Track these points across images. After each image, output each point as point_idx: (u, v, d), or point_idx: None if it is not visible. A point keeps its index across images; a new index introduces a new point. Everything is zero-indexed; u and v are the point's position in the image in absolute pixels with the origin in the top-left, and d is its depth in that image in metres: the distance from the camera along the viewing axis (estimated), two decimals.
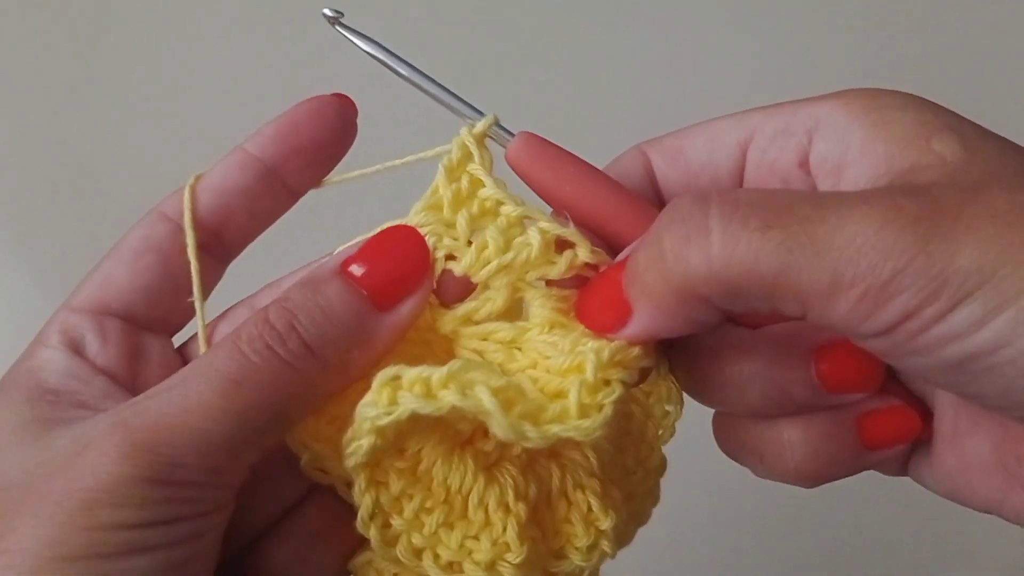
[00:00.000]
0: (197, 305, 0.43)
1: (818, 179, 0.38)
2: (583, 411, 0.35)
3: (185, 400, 0.35)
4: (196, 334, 0.43)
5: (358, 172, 0.43)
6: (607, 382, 0.36)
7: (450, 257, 0.39)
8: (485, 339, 0.39)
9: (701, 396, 0.40)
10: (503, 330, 0.39)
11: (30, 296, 0.89)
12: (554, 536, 0.41)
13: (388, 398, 0.34)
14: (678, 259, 0.33)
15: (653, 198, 0.41)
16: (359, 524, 0.38)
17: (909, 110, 0.35)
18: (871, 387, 0.38)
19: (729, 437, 0.40)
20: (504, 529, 0.38)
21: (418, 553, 0.39)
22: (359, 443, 0.36)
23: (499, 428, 0.33)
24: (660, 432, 0.44)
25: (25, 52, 0.92)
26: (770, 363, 0.37)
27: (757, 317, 0.38)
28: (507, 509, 0.39)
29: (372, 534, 0.38)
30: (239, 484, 0.37)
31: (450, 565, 0.39)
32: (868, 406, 0.38)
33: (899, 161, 0.34)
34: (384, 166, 0.42)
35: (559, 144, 0.39)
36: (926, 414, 0.39)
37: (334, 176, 0.43)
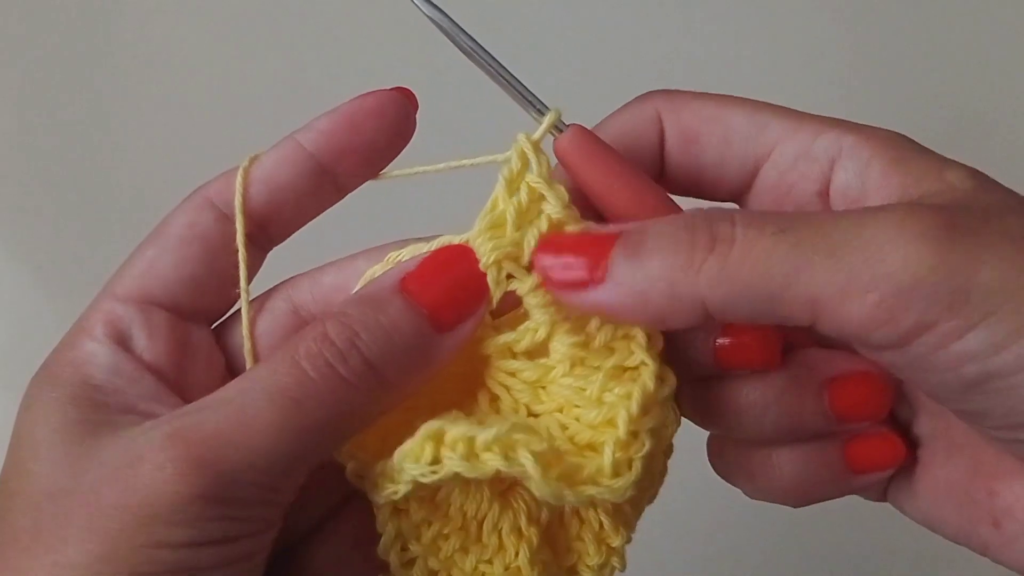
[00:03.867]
0: (244, 304, 0.41)
1: (837, 209, 0.38)
2: (616, 468, 0.36)
3: (243, 416, 0.34)
4: (231, 320, 0.42)
5: (418, 169, 0.41)
6: (636, 434, 0.36)
7: (510, 276, 0.38)
8: (512, 375, 0.39)
9: (709, 422, 0.40)
10: (528, 370, 0.39)
11: (30, 295, 0.89)
12: (566, 553, 0.41)
13: (431, 455, 0.35)
14: (691, 260, 0.32)
15: (656, 165, 0.40)
16: (380, 550, 0.39)
17: (925, 153, 0.36)
18: (880, 417, 0.38)
19: (723, 459, 0.41)
20: (516, 554, 0.39)
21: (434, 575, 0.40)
22: (395, 487, 0.37)
23: (539, 491, 0.35)
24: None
25: (25, 52, 0.92)
26: (784, 393, 0.37)
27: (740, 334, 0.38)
28: (520, 534, 0.40)
29: (391, 559, 0.39)
30: (290, 502, 0.36)
31: None
32: (853, 430, 0.39)
33: (913, 190, 0.35)
34: (448, 166, 0.40)
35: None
36: (910, 442, 0.40)
37: (392, 171, 0.42)
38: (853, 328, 0.31)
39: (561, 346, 0.38)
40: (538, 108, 0.38)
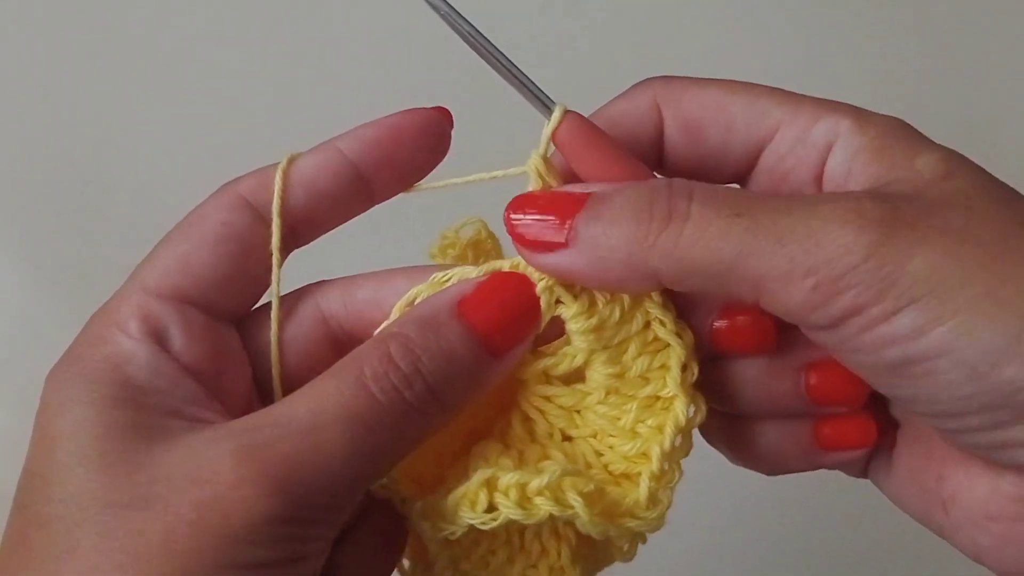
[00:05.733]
0: (274, 313, 0.41)
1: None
2: (652, 501, 0.38)
3: (316, 438, 0.34)
4: (253, 321, 0.42)
5: (447, 181, 0.42)
6: (670, 467, 0.39)
7: (559, 301, 0.39)
8: (548, 400, 0.40)
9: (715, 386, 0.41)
10: (564, 395, 0.40)
11: (30, 295, 0.89)
12: (598, 540, 0.42)
13: (486, 502, 0.36)
14: (648, 232, 0.34)
15: (655, 153, 0.41)
16: (435, 573, 0.41)
17: (911, 139, 0.37)
18: (855, 403, 0.40)
19: (707, 426, 0.42)
20: (559, 555, 0.41)
21: None
22: (452, 528, 0.38)
23: (586, 529, 0.37)
24: None
25: (24, 51, 0.92)
26: (762, 373, 0.39)
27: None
28: (558, 535, 0.41)
29: None
30: (347, 521, 0.37)
31: None
32: (827, 412, 0.40)
33: (882, 177, 0.36)
34: (475, 178, 0.41)
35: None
36: (891, 423, 0.41)
37: (424, 184, 0.42)
38: (792, 309, 0.33)
39: (598, 375, 0.39)
40: (544, 103, 0.39)
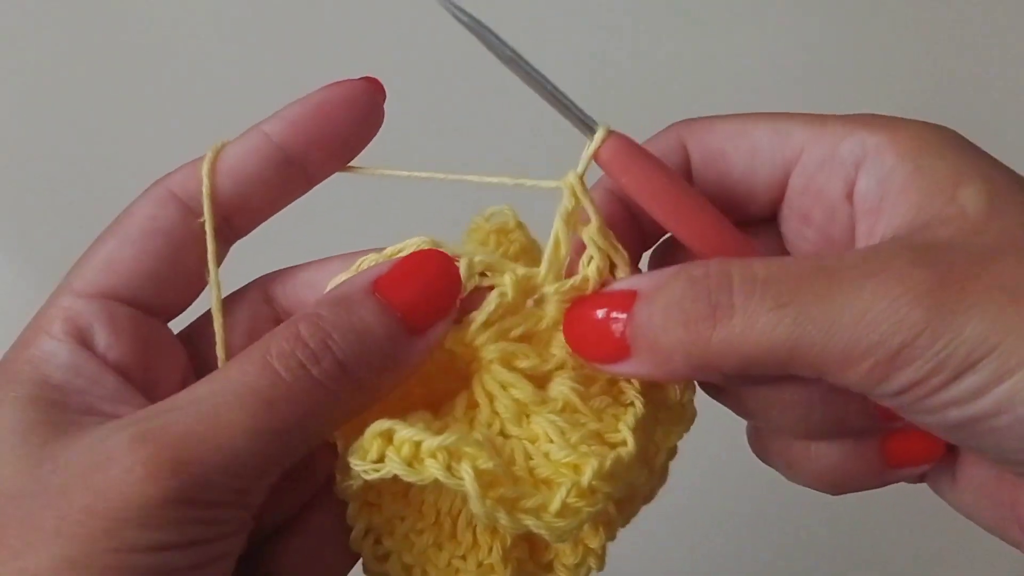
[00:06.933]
0: (214, 300, 0.41)
1: (859, 216, 0.38)
2: (563, 511, 0.36)
3: (214, 417, 0.33)
4: (197, 320, 0.42)
5: (391, 172, 0.41)
6: (594, 491, 0.36)
7: (483, 273, 0.38)
8: (504, 388, 0.39)
9: (751, 416, 0.40)
10: (522, 389, 0.38)
11: (30, 295, 0.89)
12: (544, 550, 0.41)
13: (377, 453, 0.35)
14: (699, 335, 0.34)
15: None
16: (352, 542, 0.40)
17: (947, 156, 0.36)
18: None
19: (763, 446, 0.42)
20: (490, 551, 0.40)
21: (408, 570, 0.40)
22: (349, 483, 0.37)
23: (473, 508, 0.35)
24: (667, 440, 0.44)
25: (25, 51, 0.92)
26: (830, 393, 0.38)
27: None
28: (494, 531, 0.40)
29: (364, 552, 0.40)
30: (259, 504, 0.36)
31: None
32: (894, 427, 0.40)
33: (924, 212, 0.35)
34: (505, 180, 0.39)
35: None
36: None
37: (363, 166, 0.41)
38: (853, 387, 0.33)
39: (563, 388, 0.38)
40: (587, 123, 0.38)
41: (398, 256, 0.38)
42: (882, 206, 0.37)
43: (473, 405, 0.39)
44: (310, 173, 0.40)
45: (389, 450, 0.35)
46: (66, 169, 0.91)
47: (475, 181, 0.40)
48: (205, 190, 0.39)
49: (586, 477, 0.36)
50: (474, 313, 0.38)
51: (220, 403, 0.34)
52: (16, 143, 0.91)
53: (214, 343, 0.41)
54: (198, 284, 0.40)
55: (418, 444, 0.35)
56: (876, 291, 0.32)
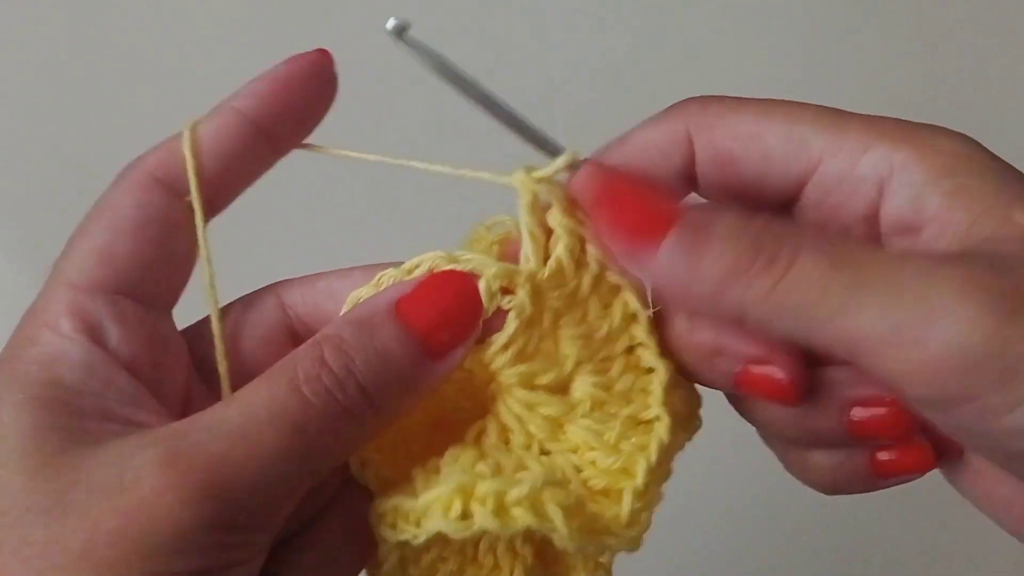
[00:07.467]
0: (208, 291, 0.40)
1: (888, 236, 0.36)
2: (632, 520, 0.37)
3: (245, 441, 0.33)
4: (199, 321, 0.41)
5: (358, 155, 0.40)
6: (651, 485, 0.37)
7: (505, 291, 0.37)
8: (529, 408, 0.39)
9: (749, 421, 0.40)
10: (548, 405, 0.38)
11: (29, 295, 0.89)
12: (554, 563, 0.41)
13: (460, 509, 0.34)
14: (744, 275, 0.32)
15: (687, 183, 0.39)
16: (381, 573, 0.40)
17: (988, 177, 0.34)
18: (904, 437, 0.37)
19: (768, 445, 0.41)
20: (512, 572, 0.40)
21: None
22: (416, 532, 0.36)
23: (563, 544, 0.35)
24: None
25: (25, 51, 0.92)
26: (802, 414, 0.37)
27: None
28: (515, 553, 0.40)
29: None
30: (282, 526, 0.36)
31: None
32: (877, 444, 0.38)
33: (978, 230, 0.33)
34: (462, 173, 0.39)
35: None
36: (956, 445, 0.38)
37: (319, 144, 0.41)
38: (892, 377, 0.30)
39: (584, 386, 0.38)
40: (550, 151, 0.37)
41: (418, 273, 0.38)
42: (919, 224, 0.34)
43: (505, 430, 0.39)
44: (279, 147, 0.40)
45: (474, 504, 0.34)
46: (66, 169, 0.92)
47: (420, 168, 0.40)
48: (191, 170, 0.39)
49: (640, 479, 0.37)
50: (495, 335, 0.38)
51: (249, 427, 0.33)
52: (16, 143, 0.91)
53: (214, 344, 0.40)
54: (189, 269, 0.40)
55: (502, 495, 0.34)
56: (946, 279, 0.29)
